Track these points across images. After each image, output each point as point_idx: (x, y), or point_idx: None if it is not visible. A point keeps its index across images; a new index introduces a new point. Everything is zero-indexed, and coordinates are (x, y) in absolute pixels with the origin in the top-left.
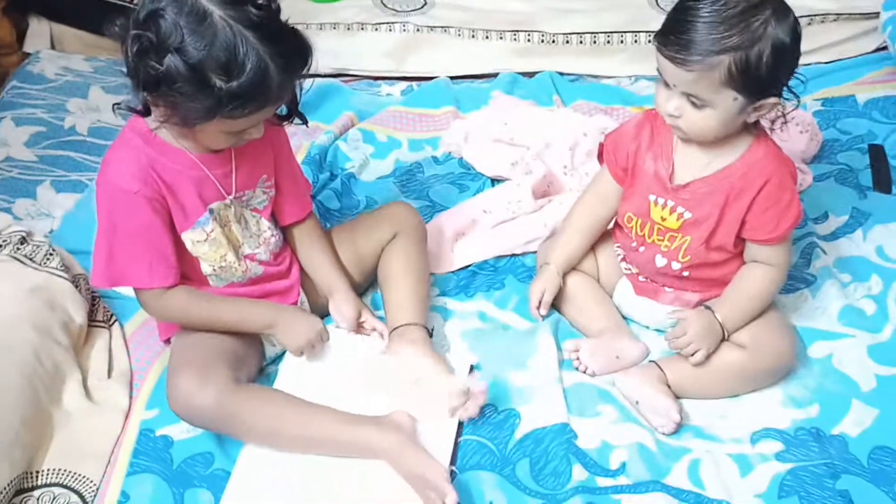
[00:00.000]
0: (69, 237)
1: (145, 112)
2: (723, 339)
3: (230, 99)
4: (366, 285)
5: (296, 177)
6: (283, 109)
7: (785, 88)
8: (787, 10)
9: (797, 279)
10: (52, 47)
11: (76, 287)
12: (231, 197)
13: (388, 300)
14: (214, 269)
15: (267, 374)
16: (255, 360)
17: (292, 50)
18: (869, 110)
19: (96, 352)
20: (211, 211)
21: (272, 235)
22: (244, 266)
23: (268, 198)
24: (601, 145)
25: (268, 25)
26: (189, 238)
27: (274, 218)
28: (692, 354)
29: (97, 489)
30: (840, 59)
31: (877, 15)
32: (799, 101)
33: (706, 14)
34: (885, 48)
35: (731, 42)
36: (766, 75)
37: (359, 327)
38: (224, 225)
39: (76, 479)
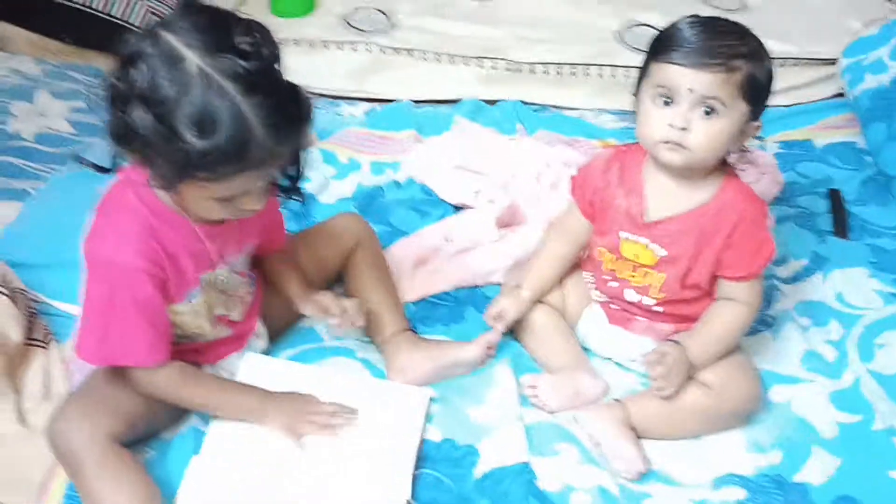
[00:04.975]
0: (9, 249)
1: (108, 171)
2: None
3: (200, 157)
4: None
5: (279, 222)
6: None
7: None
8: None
9: (758, 321)
10: None
11: (14, 302)
12: (220, 268)
13: (370, 310)
14: (185, 333)
15: None
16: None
17: (285, 108)
18: (826, 155)
19: (33, 372)
20: (201, 282)
21: (248, 293)
22: (216, 331)
23: (249, 259)
24: (574, 178)
25: (254, 77)
26: (174, 310)
27: (249, 271)
28: (663, 389)
29: None
30: (799, 104)
31: (835, 61)
32: (762, 140)
33: (710, 30)
34: (842, 94)
35: (745, 49)
36: (765, 92)
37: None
38: (207, 293)
39: None
